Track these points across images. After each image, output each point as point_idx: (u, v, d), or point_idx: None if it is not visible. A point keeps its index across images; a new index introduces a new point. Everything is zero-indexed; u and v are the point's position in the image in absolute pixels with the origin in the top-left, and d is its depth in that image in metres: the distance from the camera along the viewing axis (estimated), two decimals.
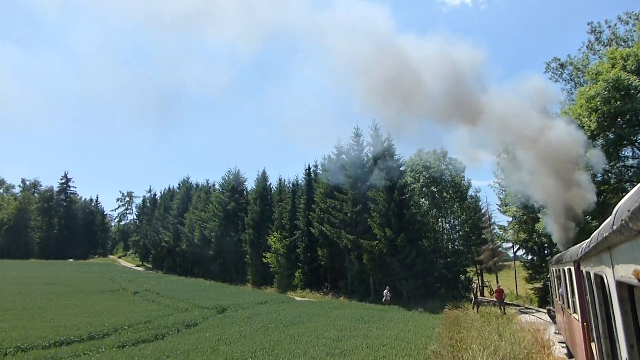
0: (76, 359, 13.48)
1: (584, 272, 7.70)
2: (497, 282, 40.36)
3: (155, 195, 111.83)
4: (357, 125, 42.30)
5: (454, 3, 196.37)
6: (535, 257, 37.40)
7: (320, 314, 23.86)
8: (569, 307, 11.39)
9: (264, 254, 52.15)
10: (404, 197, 36.45)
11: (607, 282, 4.40)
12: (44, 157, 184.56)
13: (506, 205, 38.63)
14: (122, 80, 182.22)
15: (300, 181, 55.20)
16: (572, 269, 9.58)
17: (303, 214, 47.35)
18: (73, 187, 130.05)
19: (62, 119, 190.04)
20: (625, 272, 3.36)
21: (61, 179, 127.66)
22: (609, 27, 38.41)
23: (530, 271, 38.77)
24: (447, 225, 44.73)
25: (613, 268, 3.94)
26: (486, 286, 55.19)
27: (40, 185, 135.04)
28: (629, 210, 2.60)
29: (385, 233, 34.91)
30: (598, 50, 38.76)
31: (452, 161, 40.14)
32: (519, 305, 36.92)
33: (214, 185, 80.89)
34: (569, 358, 13.49)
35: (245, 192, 67.27)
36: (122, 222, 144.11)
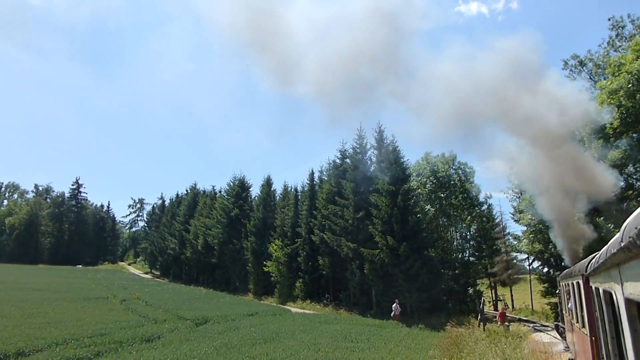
0: None
1: (593, 287, 7.55)
2: (500, 299, 37.32)
3: (164, 201, 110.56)
4: (361, 127, 39.95)
5: (470, 14, 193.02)
6: (551, 270, 34.35)
7: (307, 329, 21.45)
8: (577, 322, 11.25)
9: (264, 263, 49.91)
10: (408, 202, 33.90)
11: (616, 299, 4.35)
12: (58, 163, 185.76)
13: (520, 213, 35.77)
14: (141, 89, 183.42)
15: (305, 187, 52.77)
16: (581, 282, 9.45)
17: (305, 221, 44.93)
18: (84, 192, 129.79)
19: (77, 125, 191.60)
20: (634, 289, 3.35)
21: (72, 185, 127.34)
22: (632, 21, 35.53)
23: (546, 285, 35.72)
24: (456, 234, 41.83)
25: (622, 285, 3.91)
26: (500, 300, 51.96)
27: (53, 191, 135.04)
28: (636, 228, 2.57)
29: (387, 241, 32.37)
30: (619, 46, 35.88)
31: (462, 165, 37.38)
32: (534, 322, 33.85)
33: (220, 191, 79.05)
34: None
35: (249, 199, 65.14)
36: (133, 229, 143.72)
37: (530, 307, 43.81)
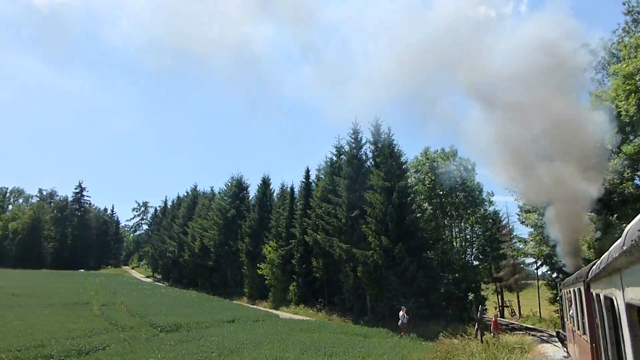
0: None
1: (593, 294, 7.49)
2: (507, 305, 34.62)
3: (166, 204, 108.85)
4: (356, 120, 37.58)
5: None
6: (560, 275, 31.60)
7: (281, 338, 19.13)
8: (578, 329, 11.19)
9: (258, 265, 47.64)
10: (404, 200, 31.44)
11: (617, 305, 4.35)
12: (63, 167, 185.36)
13: (526, 213, 33.14)
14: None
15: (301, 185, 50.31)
16: (582, 289, 9.37)
17: (299, 221, 42.51)
18: (87, 196, 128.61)
19: (81, 128, 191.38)
20: (635, 294, 3.35)
21: (75, 188, 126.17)
22: None
23: (555, 291, 32.97)
24: (459, 235, 39.20)
25: (623, 290, 3.91)
26: (507, 306, 49.14)
27: (57, 195, 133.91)
28: (639, 230, 2.57)
29: (381, 242, 29.93)
30: (635, 32, 33.20)
31: (463, 161, 34.79)
32: (541, 331, 31.08)
33: (219, 192, 76.97)
34: None
35: (246, 199, 62.90)
36: (137, 233, 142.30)
37: (538, 314, 40.97)
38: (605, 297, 5.60)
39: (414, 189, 33.85)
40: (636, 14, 33.88)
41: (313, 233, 37.67)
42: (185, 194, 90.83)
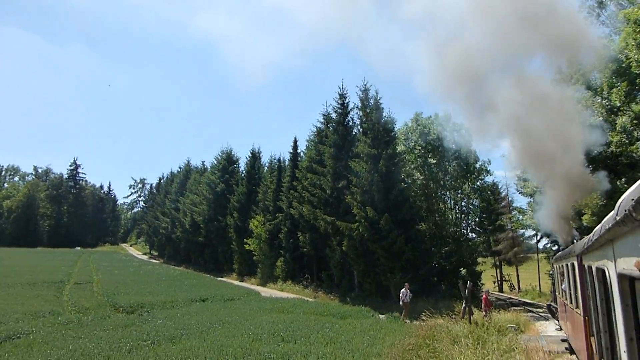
0: None
1: (586, 266, 7.59)
2: (506, 279, 32.45)
3: (161, 180, 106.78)
4: (343, 84, 34.92)
5: None
6: (560, 247, 29.31)
7: (244, 320, 17.01)
8: (571, 303, 11.21)
9: (245, 240, 45.63)
10: (392, 169, 28.99)
11: (609, 276, 4.41)
12: (59, 144, 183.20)
13: (524, 182, 30.67)
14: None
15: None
16: (576, 263, 9.38)
17: (287, 194, 40.16)
18: (83, 173, 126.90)
19: (78, 104, 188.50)
20: (627, 264, 3.36)
21: (70, 165, 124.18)
22: None
23: None
24: (454, 206, 36.80)
25: (615, 261, 3.94)
26: (506, 280, 47.20)
27: (53, 173, 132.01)
28: (633, 199, 2.53)
29: (367, 213, 27.62)
30: None
31: (457, 127, 32.10)
32: (540, 306, 29.00)
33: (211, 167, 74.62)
34: (571, 354, 13.30)
35: (236, 173, 60.52)
36: (135, 210, 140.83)
37: (538, 288, 38.96)
38: (597, 268, 5.67)
39: (403, 156, 31.22)
40: None
41: (299, 206, 35.45)
42: (179, 169, 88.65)
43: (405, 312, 21.67)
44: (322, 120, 37.66)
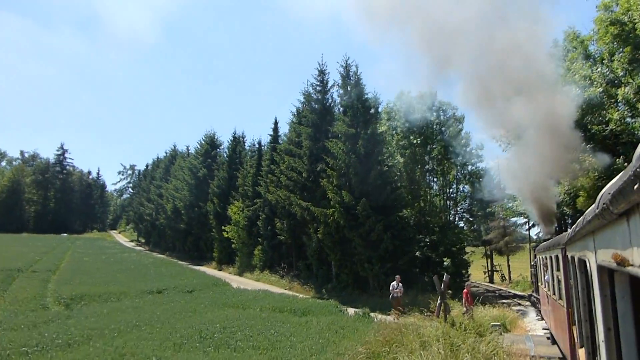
0: None
1: (569, 257, 7.72)
2: (496, 269, 30.27)
3: (148, 166, 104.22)
4: (322, 60, 32.43)
5: None
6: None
7: (187, 316, 14.78)
8: (554, 294, 11.21)
9: (223, 227, 43.36)
10: (372, 150, 26.60)
11: (590, 266, 4.46)
12: (48, 129, 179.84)
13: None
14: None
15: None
16: (560, 255, 9.37)
17: (265, 178, 37.73)
18: (70, 159, 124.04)
19: (65, 87, 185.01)
20: (606, 256, 3.41)
21: (57, 150, 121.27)
22: None
23: None
24: (441, 192, 34.44)
25: (595, 252, 3.99)
26: (496, 271, 45.13)
27: (40, 158, 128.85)
28: (609, 193, 2.60)
29: (343, 197, 25.30)
30: None
31: (444, 105, 29.57)
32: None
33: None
34: (552, 344, 13.25)
35: (219, 157, 58.03)
36: (124, 196, 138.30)
37: (529, 279, 36.84)
38: (579, 259, 5.70)
39: (383, 137, 28.65)
40: None
41: (276, 190, 33.10)
42: (165, 154, 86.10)
43: (396, 309, 18.45)
44: (303, 100, 35.12)
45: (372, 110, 27.95)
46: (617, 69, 17.24)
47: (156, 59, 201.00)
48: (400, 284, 19.90)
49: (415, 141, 29.28)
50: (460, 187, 35.47)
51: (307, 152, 29.79)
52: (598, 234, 3.76)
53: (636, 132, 18.43)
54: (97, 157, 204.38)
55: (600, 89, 17.33)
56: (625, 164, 17.50)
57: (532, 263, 22.49)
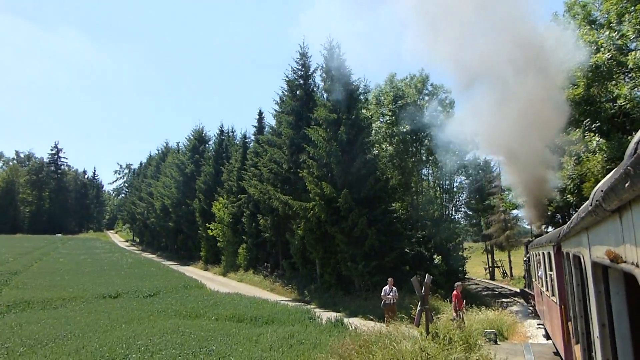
0: None
1: (563, 252, 7.65)
2: (498, 266, 27.95)
3: (141, 164, 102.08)
4: (304, 42, 30.04)
5: None
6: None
7: (125, 327, 12.52)
8: (547, 290, 11.08)
9: (208, 225, 41.09)
10: (355, 137, 24.21)
11: (584, 263, 4.49)
12: (43, 129, 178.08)
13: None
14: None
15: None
16: (552, 252, 9.42)
17: (249, 172, 35.33)
18: (65, 158, 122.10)
19: (61, 88, 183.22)
20: (600, 252, 3.38)
21: (51, 150, 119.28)
22: None
23: None
24: (435, 184, 31.98)
25: (590, 249, 3.97)
26: (497, 267, 42.72)
27: (35, 157, 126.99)
28: (602, 191, 2.60)
29: (323, 189, 22.92)
30: None
31: (437, 89, 27.06)
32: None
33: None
34: (547, 340, 13.10)
35: (207, 153, 55.69)
36: (121, 196, 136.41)
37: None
38: (574, 255, 5.80)
39: (369, 121, 26.10)
40: None
41: (258, 184, 30.78)
42: (157, 152, 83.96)
43: (390, 319, 14.94)
44: (286, 88, 32.65)
45: (358, 95, 25.51)
46: (627, 31, 14.82)
47: (152, 55, 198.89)
48: (394, 287, 16.82)
49: (404, 129, 26.71)
50: (456, 178, 33.06)
51: (286, 141, 27.43)
52: (592, 231, 3.75)
53: None
54: (94, 156, 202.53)
55: (608, 55, 14.87)
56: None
57: (525, 259, 22.09)
